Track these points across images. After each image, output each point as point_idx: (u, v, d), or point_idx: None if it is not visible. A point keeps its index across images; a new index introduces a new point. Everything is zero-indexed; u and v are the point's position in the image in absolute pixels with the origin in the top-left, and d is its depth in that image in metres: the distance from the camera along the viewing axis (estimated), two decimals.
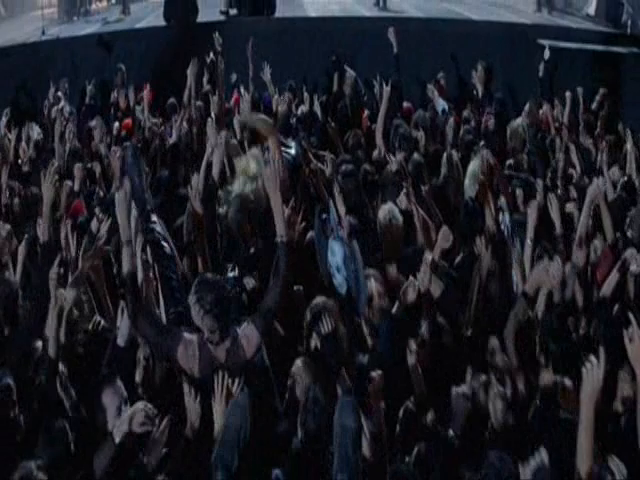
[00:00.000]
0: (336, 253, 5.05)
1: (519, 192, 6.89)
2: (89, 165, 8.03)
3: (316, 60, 11.63)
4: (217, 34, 9.79)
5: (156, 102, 10.10)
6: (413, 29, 12.15)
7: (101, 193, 7.35)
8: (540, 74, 10.25)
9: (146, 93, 9.79)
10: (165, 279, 5.22)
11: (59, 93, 10.83)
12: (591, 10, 14.18)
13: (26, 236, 5.95)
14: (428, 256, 5.24)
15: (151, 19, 13.99)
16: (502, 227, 6.31)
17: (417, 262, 5.21)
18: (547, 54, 10.40)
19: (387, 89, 8.23)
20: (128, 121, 9.63)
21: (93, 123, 9.20)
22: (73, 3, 15.25)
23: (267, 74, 10.04)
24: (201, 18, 12.83)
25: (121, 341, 4.71)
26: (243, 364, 4.46)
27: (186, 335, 4.47)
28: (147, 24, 13.48)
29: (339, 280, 5.06)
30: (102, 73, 11.65)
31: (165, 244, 5.40)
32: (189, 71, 8.79)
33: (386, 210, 6.01)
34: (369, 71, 10.32)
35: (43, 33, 13.14)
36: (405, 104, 10.01)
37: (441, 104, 9.86)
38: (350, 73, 10.04)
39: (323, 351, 4.72)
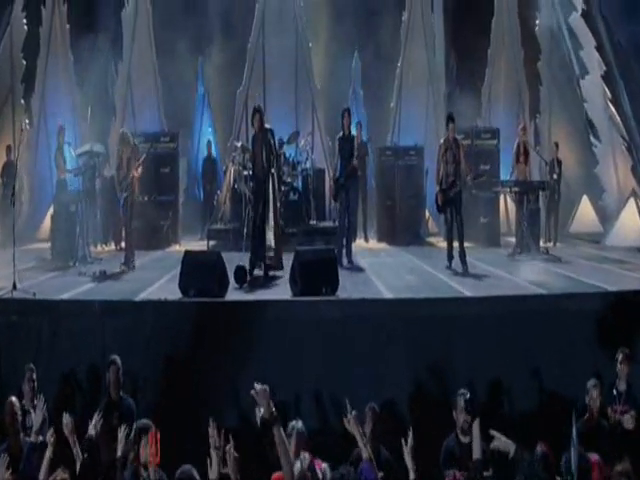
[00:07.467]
0: None
1: None
2: None
3: (396, 360, 9.09)
4: None
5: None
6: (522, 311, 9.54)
7: None
8: None
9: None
10: None
11: (26, 386, 8.09)
12: None
13: None
14: None
15: (163, 283, 11.28)
16: None
17: None
18: None
19: None
20: None
21: None
22: (71, 243, 13.35)
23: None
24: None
25: None
26: None
27: None
28: (153, 294, 10.50)
29: None
30: (90, 358, 9.04)
31: None
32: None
33: None
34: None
35: (14, 287, 10.05)
36: None
37: None
38: None
39: None
